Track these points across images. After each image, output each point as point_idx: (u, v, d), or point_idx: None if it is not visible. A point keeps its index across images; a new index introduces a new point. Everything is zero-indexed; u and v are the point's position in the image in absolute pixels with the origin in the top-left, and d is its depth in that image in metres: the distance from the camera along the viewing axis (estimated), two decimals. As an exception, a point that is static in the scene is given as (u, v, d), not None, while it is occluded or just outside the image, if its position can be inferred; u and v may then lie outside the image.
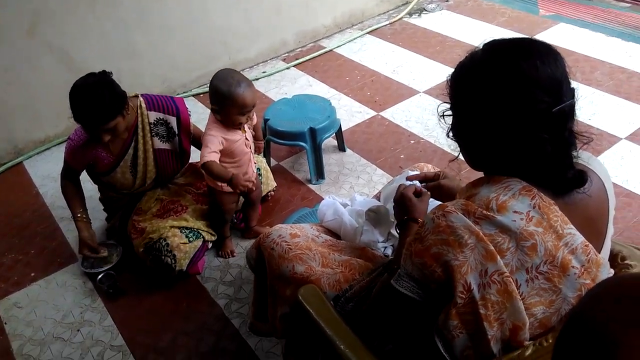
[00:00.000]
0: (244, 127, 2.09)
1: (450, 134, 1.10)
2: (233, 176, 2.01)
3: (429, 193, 1.40)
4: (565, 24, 3.97)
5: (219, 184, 2.11)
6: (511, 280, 0.92)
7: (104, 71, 1.97)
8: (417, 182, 1.49)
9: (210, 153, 1.98)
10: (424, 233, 0.98)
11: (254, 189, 2.15)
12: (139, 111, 2.11)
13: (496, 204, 0.95)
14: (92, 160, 2.12)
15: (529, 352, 0.95)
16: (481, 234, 0.93)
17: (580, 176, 0.97)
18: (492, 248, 0.92)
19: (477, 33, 3.93)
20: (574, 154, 0.99)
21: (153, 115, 2.15)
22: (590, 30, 3.85)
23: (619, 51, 3.53)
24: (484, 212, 0.94)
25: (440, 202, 1.50)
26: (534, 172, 0.97)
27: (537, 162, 0.96)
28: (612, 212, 1.06)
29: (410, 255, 1.00)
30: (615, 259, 1.15)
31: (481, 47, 1.02)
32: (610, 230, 1.06)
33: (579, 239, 0.96)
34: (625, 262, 1.13)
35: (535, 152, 0.95)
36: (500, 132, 0.97)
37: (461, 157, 1.13)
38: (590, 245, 0.97)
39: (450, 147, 2.91)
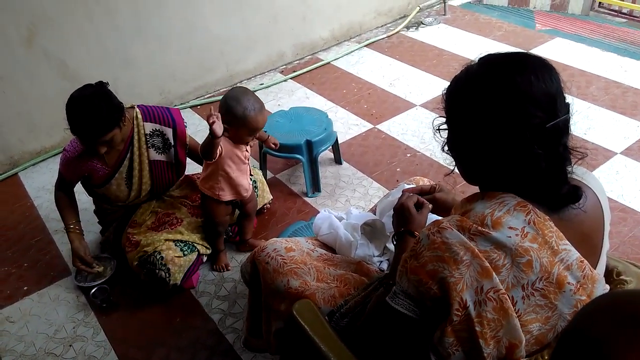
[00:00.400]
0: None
1: (446, 148, 1.10)
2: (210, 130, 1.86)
3: (430, 206, 1.39)
4: (562, 39, 4.00)
5: (217, 192, 2.10)
6: (507, 298, 0.92)
7: (100, 82, 1.96)
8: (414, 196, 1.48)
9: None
10: (419, 249, 0.98)
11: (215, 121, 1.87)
12: (134, 122, 2.10)
13: (491, 220, 0.94)
14: (87, 172, 2.11)
15: (524, 369, 0.94)
16: (476, 250, 0.92)
17: (575, 192, 0.97)
18: (488, 265, 0.92)
19: (473, 47, 3.96)
20: (569, 169, 0.99)
21: (149, 127, 2.14)
22: (586, 45, 3.87)
23: (615, 66, 3.55)
24: (479, 228, 0.94)
25: (435, 216, 1.51)
26: (529, 187, 0.97)
27: (531, 177, 0.96)
28: (607, 227, 1.06)
29: (406, 272, 0.99)
30: (610, 274, 1.14)
31: (477, 61, 1.03)
32: (606, 245, 1.05)
33: (575, 254, 0.95)
34: (621, 277, 1.13)
35: (530, 168, 0.95)
36: (494, 147, 0.97)
37: (456, 171, 1.13)
38: (585, 261, 0.96)
39: (446, 160, 2.89)
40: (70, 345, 2.04)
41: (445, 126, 1.09)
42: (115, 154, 2.10)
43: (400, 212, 1.37)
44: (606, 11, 5.44)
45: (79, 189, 2.24)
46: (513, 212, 0.95)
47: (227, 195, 2.14)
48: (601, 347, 0.55)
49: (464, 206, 1.04)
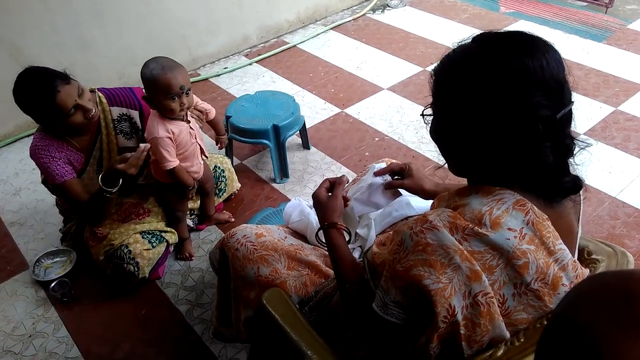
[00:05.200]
0: (187, 117, 1.99)
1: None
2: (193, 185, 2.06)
3: (342, 185, 1.33)
4: (525, 21, 4.03)
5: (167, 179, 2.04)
6: (494, 301, 0.88)
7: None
8: (387, 177, 1.46)
9: (173, 157, 1.94)
10: (403, 253, 0.91)
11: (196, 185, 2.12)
12: (99, 107, 1.96)
13: (489, 220, 0.88)
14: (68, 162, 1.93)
15: (500, 352, 0.92)
16: (465, 252, 0.87)
17: (577, 183, 0.92)
18: (478, 268, 0.86)
19: (439, 29, 3.94)
20: (571, 160, 0.93)
21: (116, 111, 2.01)
22: (549, 27, 3.92)
23: (577, 48, 3.61)
24: (476, 228, 0.87)
25: (409, 194, 1.47)
26: (529, 180, 0.91)
27: (535, 171, 0.89)
28: (581, 214, 1.05)
29: (391, 277, 0.94)
30: (581, 254, 1.13)
31: (471, 40, 0.92)
32: (580, 231, 1.03)
33: (569, 255, 0.92)
34: (592, 257, 1.12)
35: (534, 161, 0.88)
36: (497, 139, 0.88)
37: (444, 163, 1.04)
38: (577, 261, 0.93)
39: (414, 144, 2.87)
40: (30, 342, 1.95)
41: (432, 112, 0.99)
42: (86, 141, 1.95)
43: (315, 205, 1.30)
44: (567, -6, 5.51)
45: (36, 181, 2.12)
46: (512, 211, 0.89)
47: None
48: (590, 331, 0.52)
49: (453, 199, 0.97)
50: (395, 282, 0.93)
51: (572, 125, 0.91)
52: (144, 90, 1.92)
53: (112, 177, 1.84)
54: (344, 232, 1.27)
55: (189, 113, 1.99)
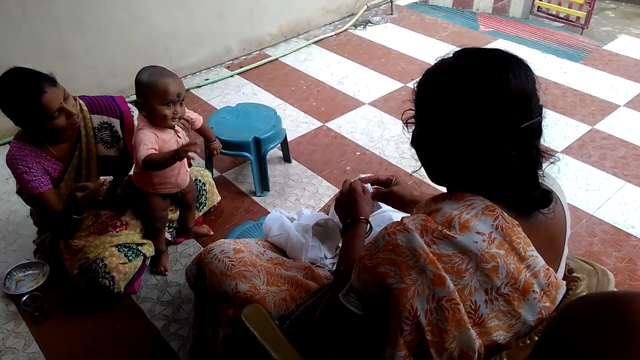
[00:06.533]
0: (175, 127, 1.98)
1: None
2: (177, 151, 1.85)
3: (369, 191, 1.38)
4: (504, 40, 4.11)
5: (152, 187, 2.01)
6: (460, 309, 0.89)
7: None
8: (369, 187, 1.45)
9: (148, 149, 1.86)
10: (374, 250, 0.95)
11: (197, 152, 1.97)
12: (80, 115, 1.91)
13: (458, 223, 0.91)
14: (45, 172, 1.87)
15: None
16: (431, 256, 0.89)
17: (546, 196, 0.95)
18: (442, 273, 0.89)
19: (420, 46, 4.00)
20: (540, 173, 0.97)
21: (96, 119, 1.97)
22: (526, 46, 4.00)
23: (554, 67, 3.68)
24: (445, 230, 0.91)
25: (391, 208, 1.47)
26: (499, 189, 0.94)
27: (502, 179, 0.93)
28: (568, 232, 1.06)
29: (359, 271, 0.98)
30: (562, 271, 1.14)
31: (452, 54, 0.98)
32: (566, 250, 1.05)
33: (541, 262, 0.94)
34: (573, 274, 1.14)
35: (501, 169, 0.92)
36: (465, 145, 0.93)
37: (422, 171, 1.08)
38: (550, 268, 0.95)
39: (395, 159, 2.88)
40: (-2, 359, 1.89)
41: (413, 121, 1.04)
42: (63, 150, 1.91)
43: (351, 198, 1.32)
44: (544, 15, 5.66)
45: (11, 197, 2.07)
46: (481, 216, 0.92)
47: (163, 188, 2.04)
48: (580, 353, 0.52)
49: (429, 205, 1.00)
50: (361, 275, 0.97)
51: (541, 139, 0.96)
52: (136, 96, 1.89)
53: (73, 203, 1.80)
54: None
55: (177, 125, 1.99)
